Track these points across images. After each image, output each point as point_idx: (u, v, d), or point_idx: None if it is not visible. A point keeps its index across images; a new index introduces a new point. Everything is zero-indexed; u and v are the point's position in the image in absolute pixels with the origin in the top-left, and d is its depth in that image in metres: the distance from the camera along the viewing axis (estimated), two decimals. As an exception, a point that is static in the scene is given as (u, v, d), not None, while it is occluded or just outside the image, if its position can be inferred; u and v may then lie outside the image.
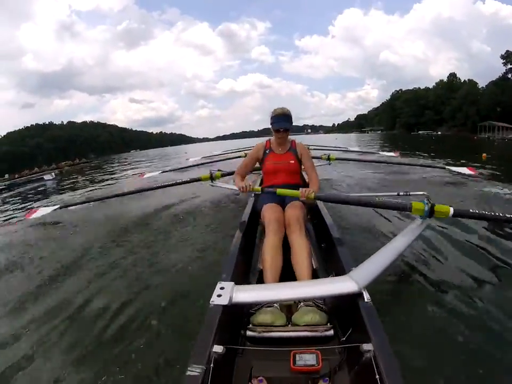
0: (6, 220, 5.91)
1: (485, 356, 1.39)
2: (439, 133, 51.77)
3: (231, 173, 3.34)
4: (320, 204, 2.41)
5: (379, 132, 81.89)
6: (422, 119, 65.89)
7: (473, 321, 1.61)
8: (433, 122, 62.15)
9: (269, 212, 1.90)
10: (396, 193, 2.82)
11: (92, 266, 2.63)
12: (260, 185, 2.62)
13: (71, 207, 4.16)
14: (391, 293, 1.93)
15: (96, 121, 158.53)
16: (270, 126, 2.21)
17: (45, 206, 3.93)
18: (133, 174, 12.50)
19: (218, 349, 1.00)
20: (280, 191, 1.92)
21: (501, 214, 1.96)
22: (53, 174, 19.91)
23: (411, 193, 2.67)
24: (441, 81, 66.34)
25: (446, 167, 5.02)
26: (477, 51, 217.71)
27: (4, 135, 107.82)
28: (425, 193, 2.30)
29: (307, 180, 2.41)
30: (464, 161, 8.10)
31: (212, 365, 0.95)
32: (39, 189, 12.44)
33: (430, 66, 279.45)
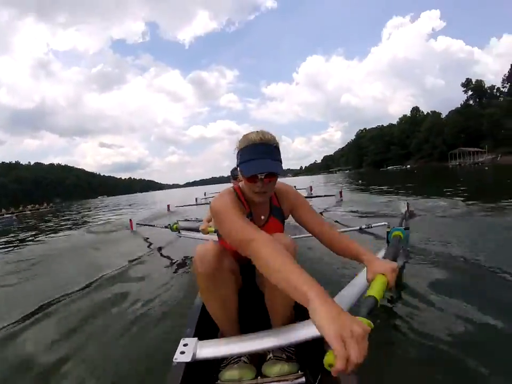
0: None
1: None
2: (408, 166, 52.46)
3: (196, 228, 3.00)
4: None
5: (347, 171, 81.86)
6: (388, 155, 67.61)
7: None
8: (400, 156, 63.68)
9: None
10: (358, 228, 2.81)
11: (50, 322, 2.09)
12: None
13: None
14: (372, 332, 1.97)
15: (63, 164, 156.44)
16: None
17: None
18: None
19: None
20: None
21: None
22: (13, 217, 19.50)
23: (373, 225, 2.66)
24: (405, 116, 69.38)
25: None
26: (432, 85, 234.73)
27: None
28: (385, 223, 2.24)
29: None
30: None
31: None
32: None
33: (389, 105, 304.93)
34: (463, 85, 55.04)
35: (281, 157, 1.05)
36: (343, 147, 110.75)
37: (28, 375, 1.48)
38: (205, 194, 11.25)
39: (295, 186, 1.97)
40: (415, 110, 70.46)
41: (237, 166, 1.07)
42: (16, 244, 6.32)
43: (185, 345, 0.99)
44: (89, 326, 1.96)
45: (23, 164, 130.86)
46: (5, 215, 20.78)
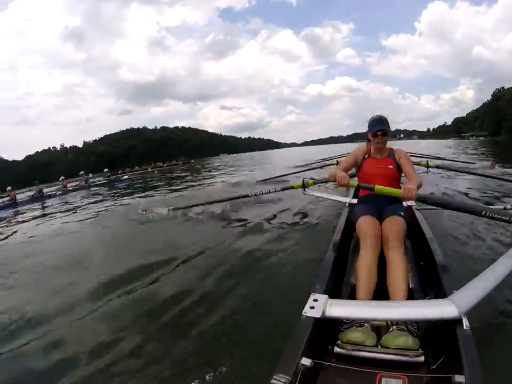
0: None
1: None
2: None
3: (324, 181, 3.64)
4: (420, 217, 2.36)
5: (481, 137, 66.46)
6: None
7: None
8: None
9: (365, 225, 1.82)
10: (502, 207, 2.80)
11: (184, 268, 2.78)
12: (354, 196, 2.87)
13: (179, 210, 4.73)
14: (493, 322, 1.68)
15: (187, 127, 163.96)
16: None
17: (161, 208, 4.89)
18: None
19: (306, 361, 0.99)
20: (378, 188, 1.76)
21: None
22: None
23: None
24: None
25: None
26: None
27: (101, 137, 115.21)
28: None
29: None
30: None
31: (298, 377, 0.94)
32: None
33: None
34: None
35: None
36: (477, 108, 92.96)
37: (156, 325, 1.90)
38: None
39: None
40: None
41: (368, 130, 2.07)
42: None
43: (315, 300, 1.15)
44: (231, 267, 2.58)
45: (150, 128, 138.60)
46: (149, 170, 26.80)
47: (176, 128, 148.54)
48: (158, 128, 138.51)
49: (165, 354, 1.64)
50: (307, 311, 1.09)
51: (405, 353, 1.13)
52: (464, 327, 1.06)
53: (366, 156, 2.11)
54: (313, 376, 1.07)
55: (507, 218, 1.62)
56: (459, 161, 8.48)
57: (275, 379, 0.89)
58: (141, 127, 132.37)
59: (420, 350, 1.15)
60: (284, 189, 4.01)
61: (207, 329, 1.79)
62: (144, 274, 2.63)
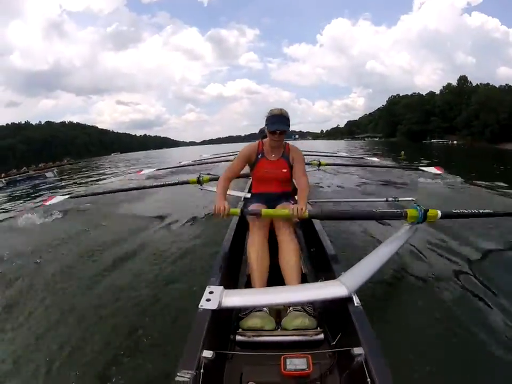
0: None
1: (482, 356, 1.37)
2: (455, 142, 46.45)
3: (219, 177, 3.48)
4: (310, 208, 2.29)
5: (376, 139, 76.73)
6: (427, 127, 58.92)
7: (466, 321, 1.58)
8: (441, 130, 55.75)
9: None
10: (384, 199, 2.94)
11: (78, 274, 2.55)
12: (249, 190, 2.95)
13: (80, 198, 4.83)
14: (381, 297, 1.91)
15: (75, 122, 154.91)
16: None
17: (60, 195, 4.43)
18: (129, 172, 13.17)
19: (207, 354, 0.99)
20: (265, 211, 1.73)
21: (480, 211, 2.03)
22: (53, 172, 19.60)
23: (400, 199, 2.74)
24: (449, 85, 60.30)
25: (419, 167, 5.82)
26: (462, 62, 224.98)
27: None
28: (413, 198, 2.24)
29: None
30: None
31: (201, 370, 0.94)
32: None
33: (415, 76, 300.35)
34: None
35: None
36: (370, 112, 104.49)
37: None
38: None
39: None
40: (463, 79, 59.26)
41: (265, 125, 1.92)
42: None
43: (210, 292, 1.14)
44: (115, 270, 2.37)
45: (34, 124, 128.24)
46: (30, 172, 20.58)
47: (63, 123, 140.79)
48: (42, 123, 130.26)
49: (58, 357, 1.55)
50: (203, 304, 1.08)
51: (305, 333, 1.19)
52: (355, 304, 1.16)
53: (259, 155, 2.03)
54: (218, 367, 1.08)
55: (395, 216, 1.89)
56: (349, 157, 9.14)
57: (179, 375, 0.88)
58: (23, 122, 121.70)
59: (318, 328, 1.23)
60: (180, 183, 4.01)
61: (103, 332, 1.70)
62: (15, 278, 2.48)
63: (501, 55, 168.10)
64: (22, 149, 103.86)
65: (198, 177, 3.85)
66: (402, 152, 12.99)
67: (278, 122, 1.89)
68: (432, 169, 5.53)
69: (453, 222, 2.83)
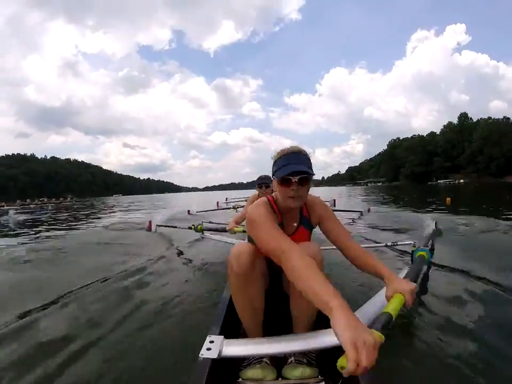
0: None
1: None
2: (461, 180, 44.06)
3: (222, 229, 3.40)
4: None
5: (379, 183, 75.10)
6: (431, 167, 58.19)
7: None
8: (445, 169, 54.97)
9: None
10: (383, 244, 2.93)
11: (66, 318, 2.10)
12: (248, 239, 2.36)
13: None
14: (387, 342, 1.31)
15: (80, 160, 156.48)
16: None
17: None
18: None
19: None
20: None
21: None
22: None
23: (399, 243, 2.74)
24: (450, 123, 59.86)
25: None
26: (456, 101, 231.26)
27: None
28: (411, 242, 2.47)
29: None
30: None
31: None
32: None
33: (412, 119, 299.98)
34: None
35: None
36: (371, 158, 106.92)
37: (44, 362, 1.52)
38: (226, 200, 11.03)
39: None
40: (463, 116, 59.95)
41: (273, 174, 1.19)
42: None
43: (211, 342, 1.08)
44: (111, 320, 2.01)
45: (39, 157, 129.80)
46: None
47: (68, 160, 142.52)
48: (47, 158, 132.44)
49: None
50: (204, 353, 1.05)
51: (306, 381, 1.15)
52: None
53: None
54: None
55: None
56: (347, 211, 8.14)
57: None
58: (28, 154, 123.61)
59: (319, 377, 1.18)
60: (182, 228, 4.28)
61: (96, 380, 1.50)
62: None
63: (493, 89, 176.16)
64: (24, 181, 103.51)
65: (200, 224, 3.93)
66: (448, 199, 9.62)
67: (294, 163, 1.12)
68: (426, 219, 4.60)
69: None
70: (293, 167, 1.10)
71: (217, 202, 9.75)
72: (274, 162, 1.18)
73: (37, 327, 2.02)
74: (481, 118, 54.20)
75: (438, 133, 63.60)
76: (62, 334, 1.90)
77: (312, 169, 1.13)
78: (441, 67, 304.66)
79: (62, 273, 3.16)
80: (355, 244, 1.25)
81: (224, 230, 3.22)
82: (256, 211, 1.15)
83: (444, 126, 61.01)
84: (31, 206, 23.01)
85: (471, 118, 57.70)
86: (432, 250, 2.06)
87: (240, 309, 1.25)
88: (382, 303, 1.17)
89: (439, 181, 50.82)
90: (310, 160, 1.18)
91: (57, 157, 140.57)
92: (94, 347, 1.73)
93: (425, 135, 67.89)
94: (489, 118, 52.69)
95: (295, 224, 1.29)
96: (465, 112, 59.10)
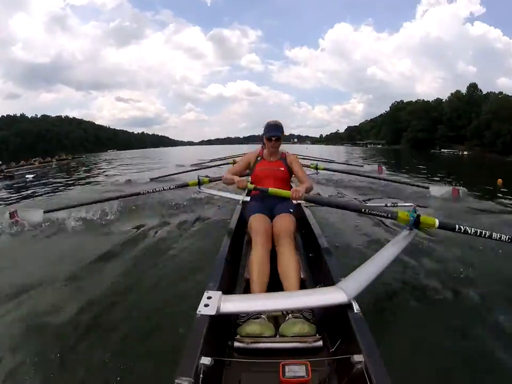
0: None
1: (486, 363, 1.37)
2: (465, 152, 43.09)
3: (219, 179, 3.49)
4: (308, 213, 2.55)
5: (379, 146, 71.26)
6: (434, 135, 54.94)
7: (466, 329, 1.58)
8: (448, 139, 52.01)
9: (257, 223, 1.89)
10: (383, 204, 2.95)
11: (73, 279, 2.48)
12: (247, 194, 2.86)
13: (56, 211, 4.00)
14: (381, 304, 1.90)
15: (72, 117, 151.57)
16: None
17: (30, 209, 3.95)
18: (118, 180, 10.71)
19: (206, 360, 0.98)
20: (272, 190, 1.96)
21: (484, 231, 1.94)
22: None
23: (399, 204, 2.76)
24: (458, 92, 55.65)
25: (429, 186, 5.06)
26: (462, 71, 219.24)
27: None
28: (412, 204, 2.32)
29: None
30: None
31: (200, 377, 0.93)
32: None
33: (416, 83, 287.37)
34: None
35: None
36: (372, 118, 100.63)
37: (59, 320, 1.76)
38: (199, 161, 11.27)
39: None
40: (473, 87, 54.60)
41: (263, 134, 2.29)
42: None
43: (209, 298, 1.11)
44: (109, 275, 2.31)
45: (29, 116, 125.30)
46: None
47: (59, 118, 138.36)
48: (38, 116, 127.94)
49: (50, 370, 1.48)
50: (201, 309, 1.07)
51: (304, 339, 1.17)
52: (355, 311, 1.15)
53: (259, 158, 2.33)
54: (216, 374, 1.08)
55: (385, 214, 1.84)
56: (348, 164, 8.98)
57: (177, 382, 0.87)
58: (18, 115, 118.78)
59: (317, 335, 1.21)
60: (178, 187, 3.97)
61: (97, 338, 1.67)
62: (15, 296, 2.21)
63: (502, 66, 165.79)
64: (16, 142, 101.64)
65: (197, 180, 3.83)
66: (500, 180, 8.53)
67: (273, 130, 2.26)
68: (446, 189, 4.62)
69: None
70: (273, 133, 2.23)
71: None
72: (264, 128, 2.28)
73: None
74: (491, 92, 50.53)
75: (444, 100, 59.10)
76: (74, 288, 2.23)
77: (282, 133, 2.28)
78: (450, 35, 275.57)
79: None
80: (308, 181, 2.17)
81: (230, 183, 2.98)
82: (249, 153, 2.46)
83: (452, 94, 56.34)
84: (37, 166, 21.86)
85: (480, 90, 53.33)
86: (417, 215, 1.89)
87: (255, 267, 1.53)
88: (368, 273, 1.36)
89: (442, 150, 48.37)
90: (282, 128, 2.29)
91: (48, 114, 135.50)
92: (96, 305, 1.89)
93: (430, 101, 63.34)
94: (500, 92, 48.84)
95: (275, 159, 2.33)
96: (474, 83, 54.20)
